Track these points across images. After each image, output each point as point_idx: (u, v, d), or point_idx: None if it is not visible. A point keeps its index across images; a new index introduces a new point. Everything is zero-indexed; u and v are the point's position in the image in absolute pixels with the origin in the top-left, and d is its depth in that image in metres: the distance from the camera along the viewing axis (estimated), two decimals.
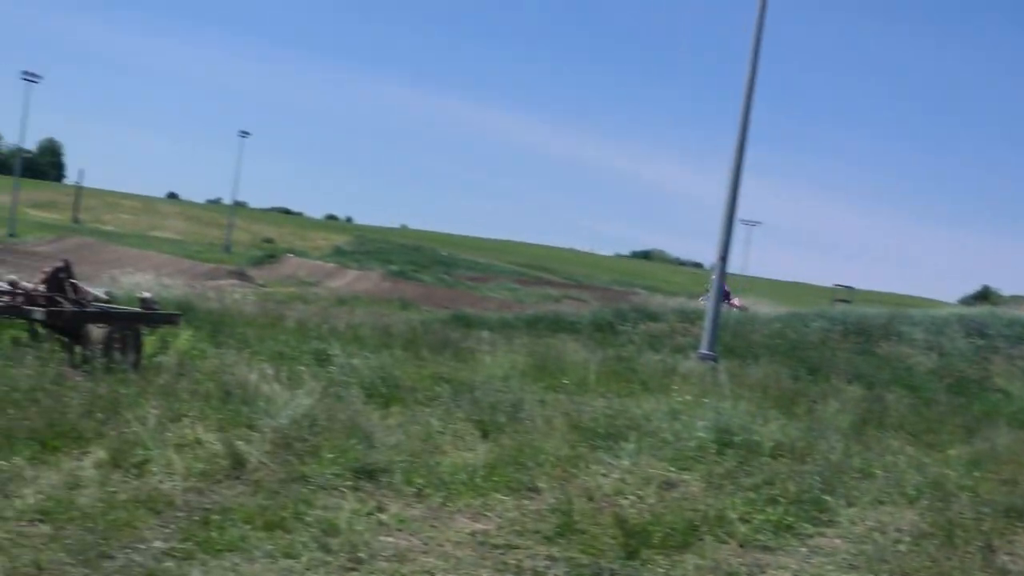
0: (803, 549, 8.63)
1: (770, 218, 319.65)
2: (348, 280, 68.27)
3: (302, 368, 14.46)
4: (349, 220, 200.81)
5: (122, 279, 27.73)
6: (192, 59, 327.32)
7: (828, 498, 9.92)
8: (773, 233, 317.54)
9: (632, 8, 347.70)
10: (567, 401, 13.93)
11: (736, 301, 51.92)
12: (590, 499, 9.08)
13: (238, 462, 9.21)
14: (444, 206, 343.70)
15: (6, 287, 15.00)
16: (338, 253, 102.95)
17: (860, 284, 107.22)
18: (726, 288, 50.93)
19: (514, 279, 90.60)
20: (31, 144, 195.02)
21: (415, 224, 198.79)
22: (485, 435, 11.57)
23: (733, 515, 9.01)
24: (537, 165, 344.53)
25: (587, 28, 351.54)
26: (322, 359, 16.01)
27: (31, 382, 10.91)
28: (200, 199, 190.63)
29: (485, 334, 23.92)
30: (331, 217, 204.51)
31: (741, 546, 8.45)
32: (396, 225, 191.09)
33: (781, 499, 9.64)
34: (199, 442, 9.66)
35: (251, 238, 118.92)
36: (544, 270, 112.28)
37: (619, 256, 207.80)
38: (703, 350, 24.83)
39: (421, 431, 11.38)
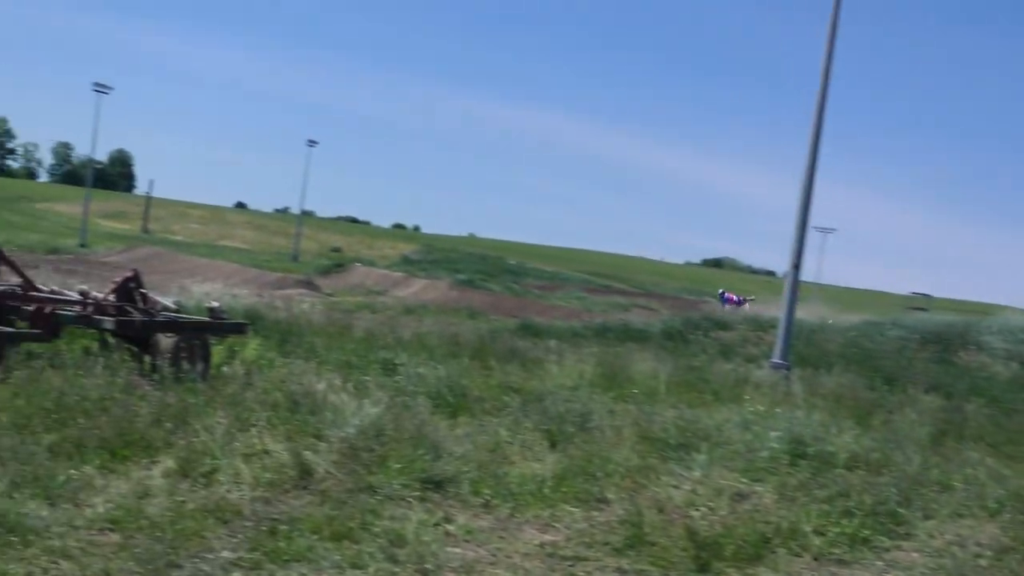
0: (879, 563, 8.52)
1: (845, 225, 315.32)
2: (416, 289, 68.49)
3: (369, 378, 14.55)
4: (417, 229, 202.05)
5: (191, 289, 28.03)
6: (260, 69, 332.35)
7: (905, 511, 9.78)
8: (848, 240, 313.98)
9: (701, 11, 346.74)
10: (637, 411, 13.86)
11: (747, 306, 51.69)
12: (660, 511, 9.03)
13: (305, 472, 9.28)
14: (512, 214, 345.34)
15: (77, 297, 15.27)
16: (406, 262, 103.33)
17: (937, 292, 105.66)
18: (733, 296, 50.84)
19: (583, 288, 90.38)
20: (102, 155, 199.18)
21: (483, 232, 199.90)
22: (553, 445, 11.56)
23: (807, 528, 8.91)
24: (607, 173, 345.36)
25: (656, 33, 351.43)
26: (389, 369, 16.09)
27: (101, 391, 11.07)
28: (268, 208, 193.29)
29: (553, 343, 23.93)
30: (399, 226, 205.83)
31: (815, 559, 8.37)
32: (464, 233, 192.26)
33: (856, 511, 9.52)
34: (267, 452, 9.74)
35: (319, 247, 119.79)
36: (613, 278, 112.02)
37: (690, 264, 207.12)
38: (776, 359, 24.61)
39: (489, 441, 11.39)
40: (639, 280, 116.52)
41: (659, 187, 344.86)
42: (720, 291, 56.28)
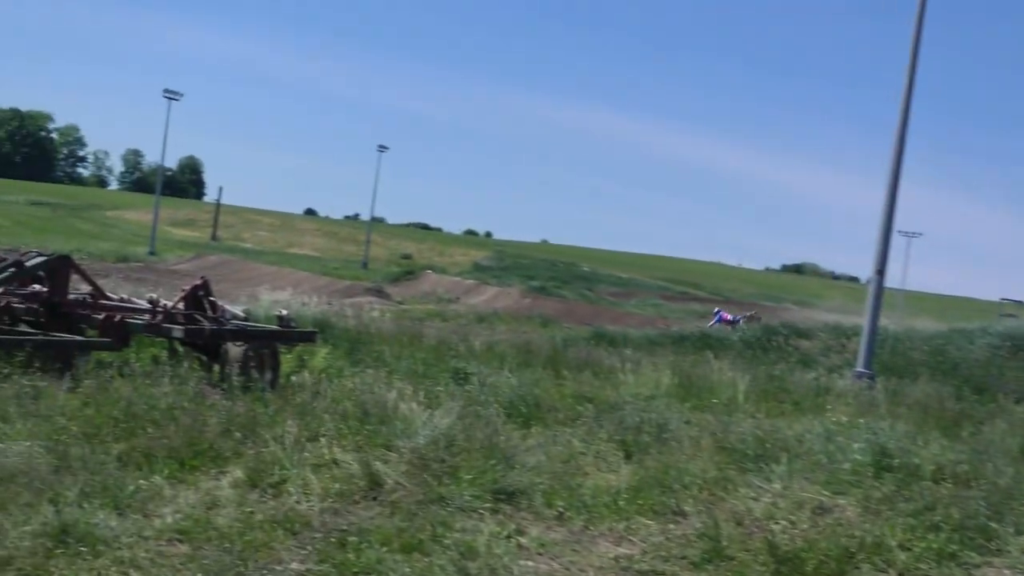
0: None
1: (931, 229, 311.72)
2: (487, 297, 68.63)
3: (440, 387, 14.61)
4: (488, 235, 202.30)
5: (260, 297, 28.31)
6: (329, 74, 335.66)
7: (996, 525, 9.57)
8: (934, 245, 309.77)
9: (776, 11, 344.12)
10: (715, 421, 13.76)
11: (728, 316, 51.15)
12: (739, 524, 8.95)
13: (375, 483, 9.32)
14: (586, 220, 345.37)
15: (146, 306, 15.47)
16: (477, 269, 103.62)
17: None
18: (727, 315, 50.40)
19: (658, 295, 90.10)
20: (172, 162, 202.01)
21: (556, 239, 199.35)
22: (629, 456, 11.53)
23: (892, 542, 8.77)
24: (684, 178, 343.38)
25: (729, 33, 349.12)
26: (460, 378, 16.16)
27: (170, 401, 11.20)
28: (337, 215, 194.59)
29: (629, 352, 23.86)
30: (470, 232, 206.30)
31: (901, 575, 8.24)
32: (537, 240, 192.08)
33: (944, 526, 9.34)
34: (336, 462, 9.80)
35: (388, 254, 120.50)
36: (690, 285, 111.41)
37: (769, 270, 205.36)
38: (859, 368, 24.34)
39: (562, 452, 11.38)
40: (716, 286, 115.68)
41: (738, 191, 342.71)
42: (716, 310, 55.93)
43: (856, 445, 12.04)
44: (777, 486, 10.29)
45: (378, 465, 9.65)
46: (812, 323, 36.12)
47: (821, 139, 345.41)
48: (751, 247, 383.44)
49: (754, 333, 33.27)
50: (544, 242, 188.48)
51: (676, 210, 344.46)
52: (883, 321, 29.75)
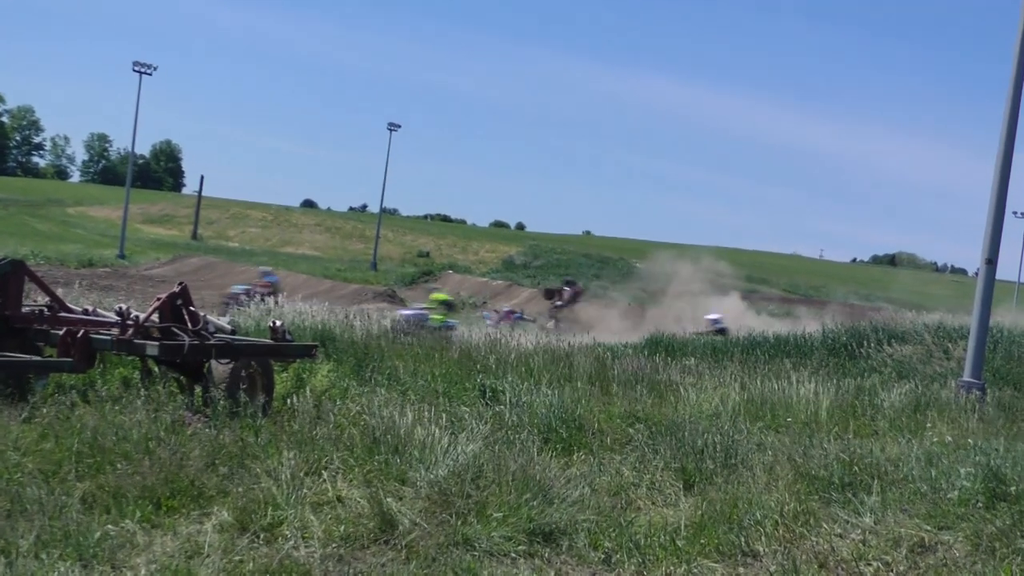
0: None
1: None
2: (521, 300, 68.70)
3: (465, 408, 14.61)
4: (521, 227, 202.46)
5: (250, 305, 28.42)
6: (328, 42, 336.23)
7: None
8: None
9: None
10: (792, 444, 13.72)
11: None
12: (822, 566, 8.92)
13: (388, 523, 9.33)
14: (635, 209, 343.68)
15: (114, 318, 15.49)
16: (508, 267, 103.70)
17: None
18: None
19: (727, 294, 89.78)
20: (144, 148, 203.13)
21: (601, 230, 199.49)
22: (690, 486, 11.52)
23: None
24: (752, 157, 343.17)
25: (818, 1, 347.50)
26: (489, 396, 16.16)
27: (143, 430, 11.23)
28: (341, 207, 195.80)
29: (690, 362, 23.79)
30: (499, 224, 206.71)
31: None
32: (578, 231, 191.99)
33: None
34: (341, 500, 9.83)
35: (403, 252, 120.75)
36: (762, 282, 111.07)
37: (857, 263, 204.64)
38: (966, 377, 24.15)
39: (610, 483, 11.38)
40: (794, 282, 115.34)
41: (817, 173, 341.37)
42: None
43: (964, 470, 11.96)
44: (868, 520, 10.26)
45: (391, 502, 9.66)
46: (909, 324, 35.88)
47: (917, 109, 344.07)
48: (835, 236, 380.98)
49: (839, 336, 33.08)
50: (587, 234, 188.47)
51: (743, 194, 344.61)
52: (995, 319, 29.53)
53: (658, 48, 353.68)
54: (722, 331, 45.20)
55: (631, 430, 14.45)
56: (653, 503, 10.88)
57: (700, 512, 10.38)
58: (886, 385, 22.07)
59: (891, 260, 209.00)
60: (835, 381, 20.88)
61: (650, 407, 16.64)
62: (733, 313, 54.17)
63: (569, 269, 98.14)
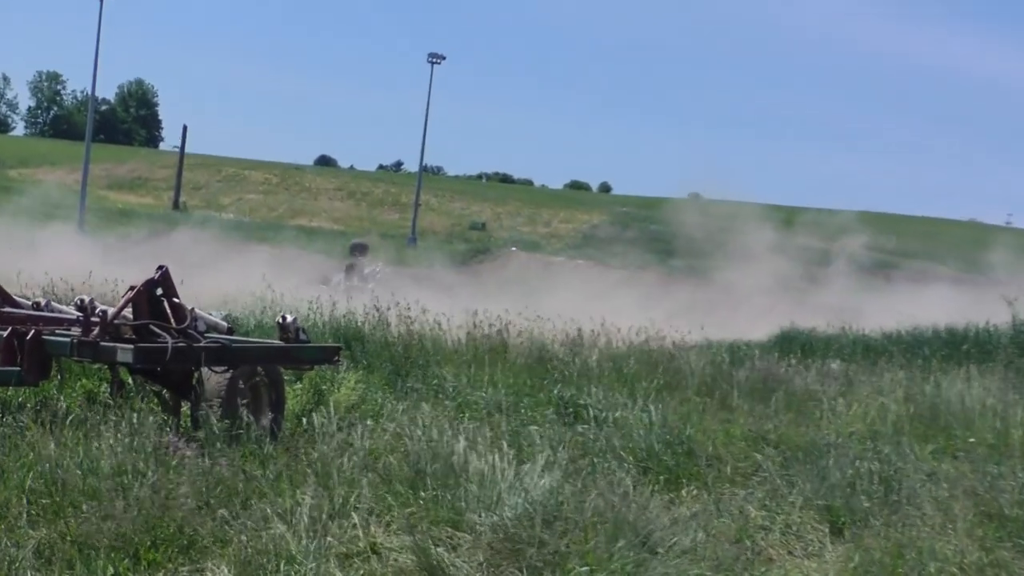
0: None
1: None
2: (607, 284, 68.55)
3: (536, 428, 14.60)
4: (606, 190, 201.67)
5: (249, 293, 28.46)
6: None
7: None
8: None
9: None
10: (974, 473, 13.64)
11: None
12: None
13: None
14: (753, 163, 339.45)
15: (75, 313, 15.51)
16: (588, 242, 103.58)
17: None
18: None
19: (877, 273, 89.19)
20: (108, 91, 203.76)
21: (709, 191, 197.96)
22: (838, 531, 11.51)
23: None
24: (909, 92, 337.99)
25: None
26: (568, 412, 16.15)
27: (116, 460, 11.29)
28: (368, 165, 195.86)
29: (835, 365, 23.68)
30: (576, 185, 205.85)
31: None
32: (683, 194, 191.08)
33: None
34: (375, 550, 9.87)
35: (450, 224, 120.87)
36: (932, 258, 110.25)
37: None
38: None
39: (732, 526, 11.35)
40: (976, 259, 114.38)
41: (1005, 114, 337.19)
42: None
43: None
44: None
45: (441, 553, 9.68)
46: None
47: None
48: None
49: None
50: (695, 196, 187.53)
51: (897, 144, 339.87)
52: None
53: None
54: None
55: (758, 456, 14.41)
56: (790, 552, 10.86)
57: (852, 565, 10.36)
58: None
59: None
60: None
61: (784, 425, 16.57)
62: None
63: (670, 243, 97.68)
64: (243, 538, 9.87)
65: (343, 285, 48.20)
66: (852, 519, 11.73)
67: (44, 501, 10.43)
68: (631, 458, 13.44)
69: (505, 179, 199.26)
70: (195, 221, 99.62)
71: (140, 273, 16.13)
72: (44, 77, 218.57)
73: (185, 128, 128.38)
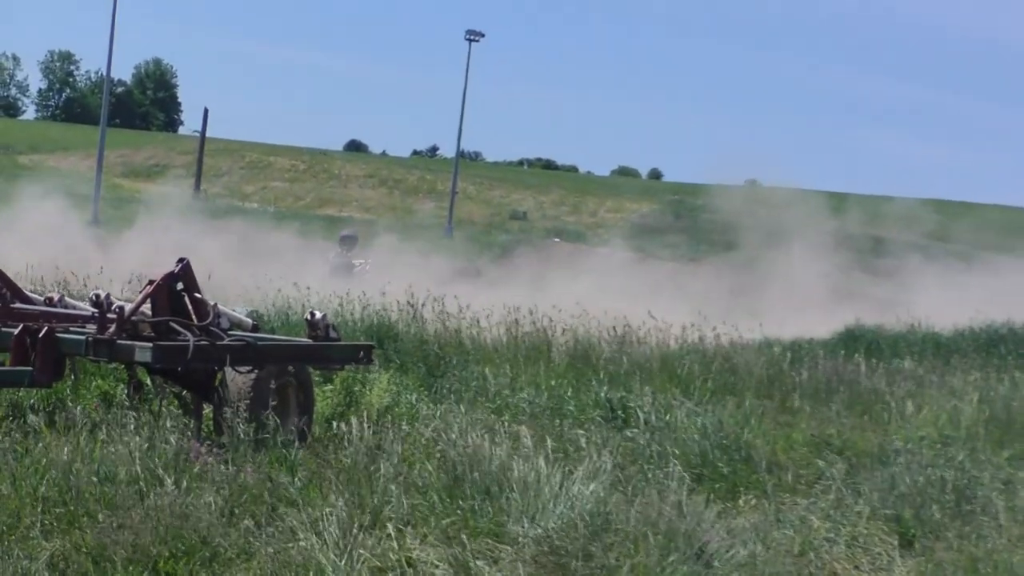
0: None
1: None
2: (659, 278, 68.45)
3: (582, 433, 14.61)
4: (656, 176, 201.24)
5: (276, 288, 28.49)
6: None
7: None
8: None
9: None
10: None
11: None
12: None
13: None
14: (817, 148, 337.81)
15: (90, 310, 15.54)
16: (639, 233, 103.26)
17: None
18: None
19: (958, 265, 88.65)
20: (124, 72, 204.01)
21: (770, 179, 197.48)
22: (908, 543, 11.48)
23: None
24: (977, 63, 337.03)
25: None
26: (617, 416, 16.15)
27: (134, 468, 11.33)
28: (401, 151, 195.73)
29: (905, 364, 23.61)
30: (625, 172, 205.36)
31: None
32: (739, 181, 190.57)
33: None
34: (411, 563, 9.89)
35: (489, 213, 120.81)
36: (1012, 251, 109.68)
37: None
38: None
39: (793, 539, 11.33)
40: None
41: None
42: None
43: None
44: None
45: (481, 566, 9.70)
46: None
47: None
48: None
49: None
50: (753, 183, 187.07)
51: (962, 119, 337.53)
52: None
53: None
54: None
55: (821, 463, 14.39)
56: (856, 567, 10.85)
57: None
58: None
59: None
60: None
61: (849, 430, 16.53)
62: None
63: (731, 233, 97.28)
64: (269, 550, 9.92)
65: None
66: (923, 531, 11.70)
67: (58, 510, 10.47)
68: (684, 465, 13.42)
69: (548, 165, 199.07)
70: (217, 210, 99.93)
71: (158, 266, 16.12)
72: (56, 57, 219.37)
73: (206, 111, 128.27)
